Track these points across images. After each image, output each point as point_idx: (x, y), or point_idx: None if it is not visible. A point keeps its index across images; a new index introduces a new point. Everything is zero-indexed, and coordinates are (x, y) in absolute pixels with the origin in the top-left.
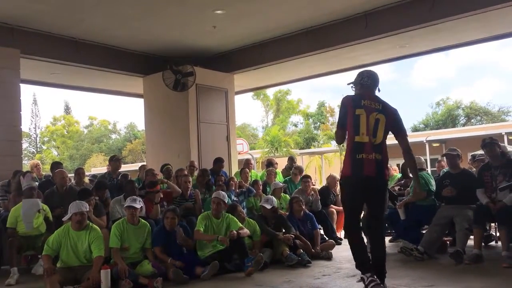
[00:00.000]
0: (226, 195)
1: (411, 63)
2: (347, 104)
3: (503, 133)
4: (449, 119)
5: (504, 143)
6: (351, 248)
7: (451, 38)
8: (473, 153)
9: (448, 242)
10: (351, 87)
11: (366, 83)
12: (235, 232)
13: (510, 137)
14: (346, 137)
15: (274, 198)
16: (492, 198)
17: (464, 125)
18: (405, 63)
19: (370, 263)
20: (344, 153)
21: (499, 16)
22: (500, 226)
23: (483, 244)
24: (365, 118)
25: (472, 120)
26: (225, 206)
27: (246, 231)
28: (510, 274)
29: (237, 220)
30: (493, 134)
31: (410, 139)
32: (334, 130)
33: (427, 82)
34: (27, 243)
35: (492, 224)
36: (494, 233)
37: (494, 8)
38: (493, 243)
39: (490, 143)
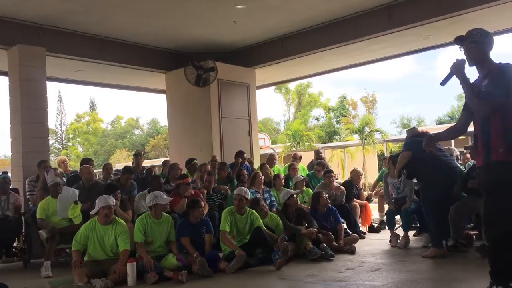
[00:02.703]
0: (248, 191)
1: (435, 55)
2: None
3: None
4: None
5: None
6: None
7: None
8: None
9: (474, 236)
10: (470, 46)
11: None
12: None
13: None
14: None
15: (289, 190)
16: None
17: None
18: (428, 54)
19: None
20: (366, 147)
21: None
22: None
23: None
24: None
25: None
26: (247, 202)
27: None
28: None
29: (259, 218)
30: None
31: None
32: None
33: None
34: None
35: None
36: None
37: None
38: None
39: None
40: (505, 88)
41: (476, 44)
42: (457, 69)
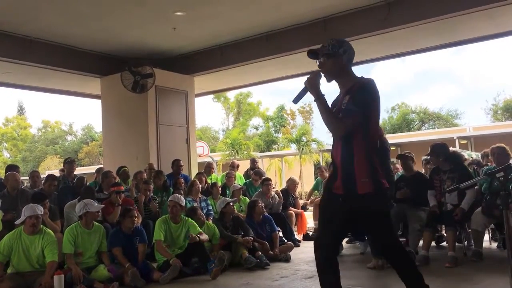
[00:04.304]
0: (182, 198)
1: (368, 68)
2: (379, 94)
3: (454, 138)
4: (404, 124)
5: (455, 147)
6: None
7: (406, 44)
8: (424, 157)
9: (402, 242)
10: (340, 53)
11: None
12: (196, 236)
13: (462, 142)
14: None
15: (226, 199)
16: (441, 202)
17: (418, 129)
18: (360, 68)
19: None
20: (303, 156)
21: (450, 25)
22: (448, 228)
23: (435, 244)
24: None
25: (426, 125)
26: (181, 209)
27: (205, 236)
28: (452, 274)
29: (196, 225)
30: (445, 138)
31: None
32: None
33: (384, 86)
34: None
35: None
36: (445, 234)
37: (444, 18)
38: (444, 243)
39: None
40: (364, 105)
41: (329, 58)
42: (311, 84)
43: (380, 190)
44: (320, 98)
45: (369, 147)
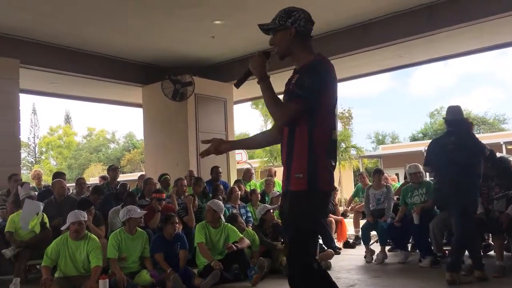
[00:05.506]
0: (221, 203)
1: (410, 72)
2: (334, 76)
3: (501, 143)
4: None
5: (502, 153)
6: None
7: (448, 48)
8: None
9: (446, 252)
10: (294, 26)
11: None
12: (232, 245)
13: (509, 147)
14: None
15: (266, 205)
16: (488, 209)
17: None
18: (403, 71)
19: None
20: (342, 163)
21: (492, 27)
22: (495, 236)
23: (482, 253)
24: None
25: None
26: (215, 214)
27: (246, 242)
28: (500, 284)
29: (236, 230)
30: (491, 143)
31: (408, 149)
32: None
33: (426, 90)
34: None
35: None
36: (492, 242)
37: (487, 20)
38: (492, 252)
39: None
40: (310, 90)
41: (276, 31)
42: (254, 65)
43: (313, 190)
44: (263, 80)
45: (313, 139)
